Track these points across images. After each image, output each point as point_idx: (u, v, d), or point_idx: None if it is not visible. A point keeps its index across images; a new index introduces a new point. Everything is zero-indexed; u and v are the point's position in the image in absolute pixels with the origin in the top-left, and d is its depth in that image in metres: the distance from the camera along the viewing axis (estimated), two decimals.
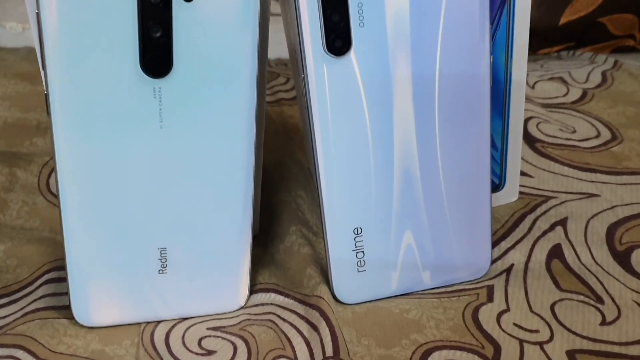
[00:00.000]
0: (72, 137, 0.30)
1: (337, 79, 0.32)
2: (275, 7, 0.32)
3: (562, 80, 0.54)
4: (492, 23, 0.36)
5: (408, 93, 0.33)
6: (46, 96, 0.29)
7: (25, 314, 0.34)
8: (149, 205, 0.32)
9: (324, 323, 0.33)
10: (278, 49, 0.49)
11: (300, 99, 0.40)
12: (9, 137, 0.48)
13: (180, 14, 0.29)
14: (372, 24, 0.32)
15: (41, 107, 0.51)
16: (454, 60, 0.33)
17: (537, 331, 0.33)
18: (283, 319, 0.33)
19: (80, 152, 0.30)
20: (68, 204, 0.31)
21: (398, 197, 0.34)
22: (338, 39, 0.31)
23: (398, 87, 0.33)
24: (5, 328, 0.33)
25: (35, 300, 0.35)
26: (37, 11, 0.27)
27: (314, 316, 0.33)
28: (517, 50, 0.38)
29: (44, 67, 0.28)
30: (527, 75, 0.51)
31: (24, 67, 0.56)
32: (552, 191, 0.43)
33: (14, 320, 0.33)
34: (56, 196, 0.41)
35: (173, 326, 0.33)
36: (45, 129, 0.49)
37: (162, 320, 0.34)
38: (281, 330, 0.33)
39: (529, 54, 0.39)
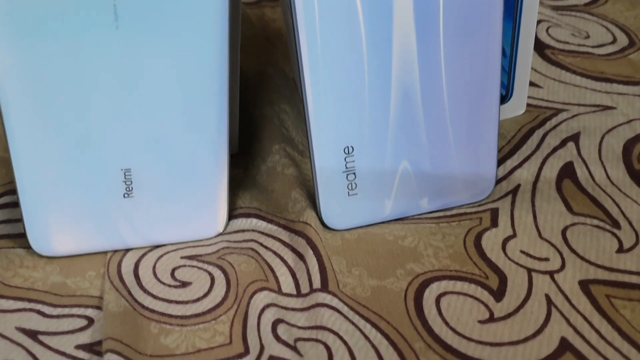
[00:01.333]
0: (11, 38, 0.26)
1: None
2: None
3: None
4: None
5: None
6: None
7: None
8: (107, 120, 0.29)
9: (310, 252, 0.31)
10: None
11: None
12: None
13: None
14: None
15: None
16: None
17: (546, 259, 0.31)
18: (266, 247, 0.32)
19: (21, 56, 0.27)
20: (12, 117, 0.28)
21: (395, 111, 0.31)
22: None
23: None
24: None
25: None
26: None
27: (300, 244, 0.31)
28: None
29: None
30: None
31: None
32: (563, 103, 0.40)
33: None
34: None
35: (143, 255, 0.31)
36: None
37: (131, 249, 0.32)
38: (264, 259, 0.31)
39: None
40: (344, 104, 0.31)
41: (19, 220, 0.32)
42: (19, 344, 0.27)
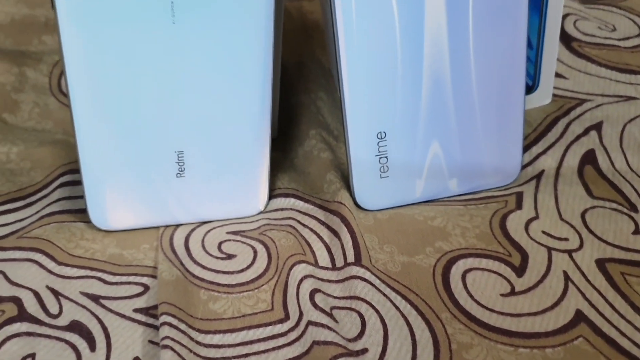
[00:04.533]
0: (79, 32, 0.28)
1: None
2: None
3: None
4: None
5: None
6: None
7: (42, 217, 0.34)
8: (163, 106, 0.31)
9: (345, 229, 0.32)
10: None
11: None
12: (17, 34, 0.46)
13: None
14: None
15: (49, 2, 0.49)
16: None
17: (566, 239, 0.32)
18: (303, 225, 0.33)
19: (88, 47, 0.29)
20: (78, 102, 0.30)
21: (426, 99, 0.33)
22: None
23: None
24: (22, 231, 0.33)
25: (51, 203, 0.35)
26: None
27: (335, 222, 0.33)
28: None
29: None
30: None
31: None
32: (588, 94, 0.41)
33: (30, 224, 0.33)
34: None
35: (192, 230, 0.33)
36: (54, 25, 0.47)
37: (181, 224, 0.33)
38: (301, 235, 0.33)
39: None
40: (378, 91, 0.32)
41: (80, 197, 0.34)
42: (83, 307, 0.29)
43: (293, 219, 0.34)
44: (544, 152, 0.37)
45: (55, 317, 0.29)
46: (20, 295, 0.30)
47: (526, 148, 0.37)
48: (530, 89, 0.40)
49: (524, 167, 0.36)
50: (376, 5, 0.30)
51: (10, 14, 0.48)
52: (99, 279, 0.31)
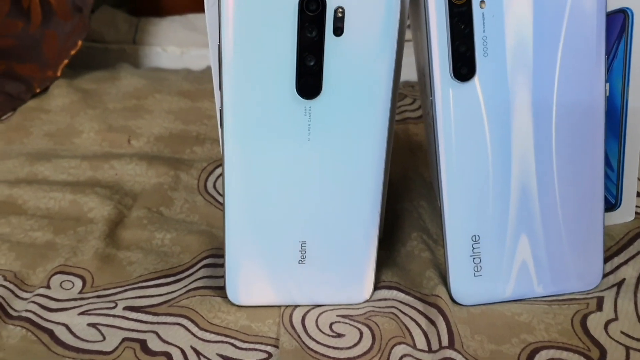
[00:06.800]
0: (238, 146, 0.36)
1: (461, 101, 0.35)
2: (405, 34, 0.36)
3: None
4: (609, 53, 0.39)
5: (527, 116, 0.36)
6: (220, 112, 0.35)
7: (188, 290, 0.40)
8: (295, 204, 0.36)
9: (441, 318, 0.36)
10: (405, 72, 0.52)
11: (427, 118, 0.44)
12: (174, 145, 0.56)
13: (331, 46, 0.34)
14: (495, 54, 0.35)
15: (200, 121, 0.59)
16: (571, 88, 0.36)
17: None
18: (404, 313, 0.37)
19: (244, 158, 0.36)
20: (231, 201, 0.36)
21: (515, 210, 0.36)
22: (464, 67, 0.35)
23: (517, 110, 0.36)
24: (173, 301, 0.39)
25: (196, 280, 0.41)
26: (218, 44, 0.34)
27: (432, 312, 0.37)
28: (633, 79, 0.40)
29: (220, 89, 0.35)
30: None
31: (184, 86, 0.64)
32: None
33: (179, 295, 0.40)
34: (212, 195, 0.48)
35: (308, 311, 0.37)
36: (203, 139, 0.56)
37: (299, 305, 0.38)
38: (402, 322, 0.36)
39: None
40: (472, 201, 0.36)
41: (218, 276, 0.40)
42: None
43: (395, 307, 0.37)
44: (625, 262, 0.40)
45: None
46: (170, 351, 0.36)
47: (608, 258, 0.40)
48: (613, 206, 0.43)
49: (605, 275, 0.39)
50: (472, 130, 0.36)
51: (169, 128, 0.58)
52: (232, 344, 0.35)
